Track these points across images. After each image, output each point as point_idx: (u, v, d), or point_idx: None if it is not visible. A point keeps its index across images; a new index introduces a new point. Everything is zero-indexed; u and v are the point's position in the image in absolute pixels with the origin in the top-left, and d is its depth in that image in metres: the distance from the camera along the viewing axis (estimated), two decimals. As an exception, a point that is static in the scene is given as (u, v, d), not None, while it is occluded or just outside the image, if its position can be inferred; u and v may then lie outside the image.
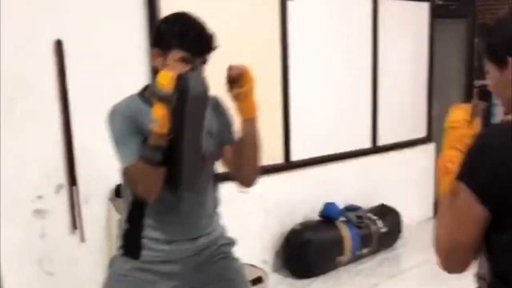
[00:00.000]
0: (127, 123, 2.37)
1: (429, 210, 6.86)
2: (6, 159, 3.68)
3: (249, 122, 2.46)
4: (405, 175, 6.46)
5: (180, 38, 2.31)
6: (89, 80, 3.96)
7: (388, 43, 6.06)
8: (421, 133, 6.74)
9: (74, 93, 3.90)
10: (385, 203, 5.92)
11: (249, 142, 2.49)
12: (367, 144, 6.02)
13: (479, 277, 1.82)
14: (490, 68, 1.82)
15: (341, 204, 5.50)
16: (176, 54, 2.32)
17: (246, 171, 2.57)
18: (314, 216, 5.38)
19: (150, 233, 2.49)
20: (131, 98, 2.46)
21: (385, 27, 6.00)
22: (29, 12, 3.69)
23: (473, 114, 1.91)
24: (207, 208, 2.61)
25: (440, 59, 6.98)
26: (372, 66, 5.95)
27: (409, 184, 6.52)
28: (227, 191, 4.72)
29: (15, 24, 3.62)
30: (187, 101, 2.22)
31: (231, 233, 4.76)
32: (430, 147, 6.81)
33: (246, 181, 2.63)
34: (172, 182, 2.37)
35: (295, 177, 5.30)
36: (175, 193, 2.42)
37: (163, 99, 2.20)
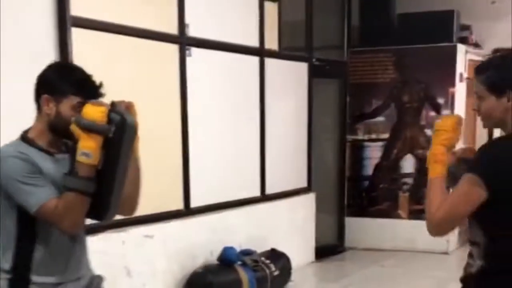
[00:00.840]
0: (26, 165, 2.40)
1: (311, 255, 7.31)
2: None
3: (134, 160, 2.65)
4: (290, 222, 6.89)
5: (78, 85, 2.49)
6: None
7: (273, 98, 6.54)
8: (303, 183, 7.23)
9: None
10: (274, 247, 6.28)
11: (132, 177, 2.64)
12: (257, 192, 6.41)
13: (472, 243, 2.50)
14: (485, 95, 2.46)
15: (237, 249, 5.81)
16: (73, 100, 2.47)
17: (128, 203, 2.69)
18: (213, 259, 5.64)
19: (38, 278, 2.47)
20: (15, 143, 2.51)
21: (270, 83, 6.48)
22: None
23: (458, 123, 2.56)
24: (85, 244, 2.71)
25: (316, 115, 7.54)
26: (260, 120, 6.39)
27: (294, 231, 6.94)
28: (134, 235, 4.98)
29: None
30: (125, 131, 2.44)
31: (138, 275, 4.99)
32: (311, 197, 7.31)
33: (128, 211, 2.77)
34: (101, 210, 2.50)
35: (194, 223, 5.57)
36: (101, 220, 2.59)
37: (99, 131, 2.36)
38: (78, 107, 2.44)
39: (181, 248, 5.43)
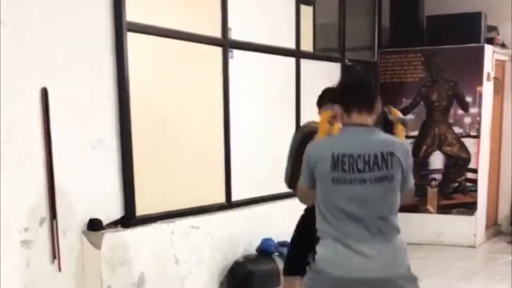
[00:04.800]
0: None
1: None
2: None
3: None
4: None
5: None
6: (70, 124, 4.45)
7: (309, 98, 6.80)
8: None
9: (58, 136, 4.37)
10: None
11: None
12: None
13: None
14: None
15: (274, 240, 6.12)
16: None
17: None
18: (252, 250, 5.97)
19: None
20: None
21: (306, 83, 6.78)
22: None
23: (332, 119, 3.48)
24: None
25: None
26: (295, 119, 6.70)
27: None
28: (181, 226, 5.31)
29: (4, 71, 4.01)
30: None
31: (184, 263, 5.32)
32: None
33: None
34: None
35: (235, 215, 5.90)
36: None
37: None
38: None
39: (223, 239, 5.76)
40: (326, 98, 4.29)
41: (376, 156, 3.15)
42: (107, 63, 4.68)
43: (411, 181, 3.32)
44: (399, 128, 3.55)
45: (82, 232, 4.60)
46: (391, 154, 3.15)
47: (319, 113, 3.98)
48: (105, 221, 4.71)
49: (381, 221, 3.21)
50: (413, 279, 3.34)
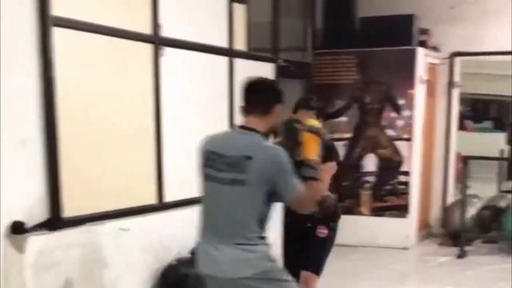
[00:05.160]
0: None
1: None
2: None
3: None
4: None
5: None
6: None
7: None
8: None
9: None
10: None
11: None
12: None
13: None
14: None
15: (208, 242, 5.98)
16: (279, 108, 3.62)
17: None
18: (186, 253, 5.80)
19: None
20: (263, 139, 3.49)
21: (239, 83, 6.64)
22: None
23: None
24: None
25: (282, 115, 7.73)
26: (228, 118, 6.58)
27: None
28: (111, 228, 5.13)
29: None
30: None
31: (114, 268, 5.13)
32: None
33: None
34: None
35: (168, 217, 5.73)
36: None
37: (322, 136, 3.48)
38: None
39: (155, 241, 5.59)
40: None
41: (235, 159, 3.25)
42: (31, 59, 4.46)
43: (295, 188, 3.29)
44: (307, 136, 3.45)
45: (4, 235, 4.36)
46: (248, 158, 3.21)
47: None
48: (29, 224, 4.48)
49: (234, 224, 3.32)
50: (267, 281, 3.39)
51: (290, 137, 3.46)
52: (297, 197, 3.29)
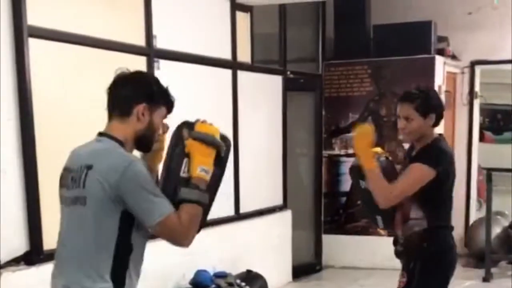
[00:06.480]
0: (148, 173, 2.46)
1: (288, 275, 7.04)
2: None
3: None
4: (266, 241, 6.62)
5: (168, 96, 2.59)
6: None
7: (247, 113, 6.29)
8: (279, 200, 6.97)
9: None
10: (250, 268, 6.01)
11: None
12: (230, 211, 6.14)
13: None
14: (415, 117, 3.62)
15: (210, 271, 5.53)
16: (163, 111, 2.59)
17: None
18: (185, 283, 5.36)
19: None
20: (116, 146, 2.51)
21: (243, 97, 6.23)
22: None
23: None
24: None
25: (291, 129, 7.31)
26: (233, 135, 6.12)
27: (270, 250, 6.68)
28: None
29: None
30: (229, 152, 2.60)
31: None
32: (287, 214, 7.06)
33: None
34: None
35: (164, 244, 5.26)
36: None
37: (218, 146, 2.51)
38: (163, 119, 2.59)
39: (152, 270, 5.12)
40: None
41: (76, 170, 2.49)
42: (6, 79, 4.03)
43: (155, 210, 2.39)
44: (192, 146, 2.50)
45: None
46: (88, 168, 2.44)
47: None
48: (5, 258, 4.04)
49: (71, 257, 2.49)
50: None
51: (176, 148, 2.57)
52: (162, 222, 2.39)
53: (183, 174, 2.49)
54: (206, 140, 2.49)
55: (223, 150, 2.55)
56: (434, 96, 3.82)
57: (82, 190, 2.43)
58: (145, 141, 2.58)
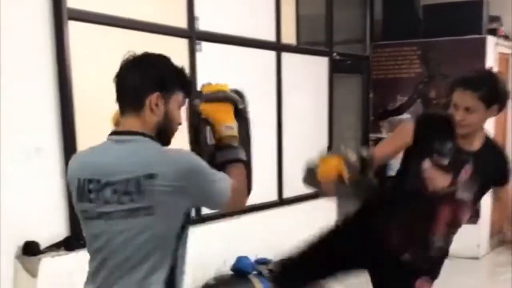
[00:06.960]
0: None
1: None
2: None
3: None
4: (310, 227, 6.47)
5: (183, 77, 2.34)
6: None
7: (291, 95, 6.15)
8: (324, 185, 6.83)
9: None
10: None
11: None
12: (274, 196, 6.04)
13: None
14: (479, 108, 2.98)
15: (252, 257, 5.45)
16: (179, 95, 2.27)
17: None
18: (226, 270, 5.28)
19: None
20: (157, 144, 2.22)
21: (288, 79, 6.09)
22: None
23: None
24: None
25: (337, 112, 7.15)
26: (277, 118, 6.02)
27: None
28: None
29: None
30: (244, 100, 2.49)
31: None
32: (331, 199, 6.91)
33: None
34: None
35: (206, 230, 5.20)
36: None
37: (233, 100, 2.39)
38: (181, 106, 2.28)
39: (192, 257, 5.06)
40: None
41: (125, 182, 2.11)
42: (46, 60, 3.99)
43: (225, 183, 2.21)
44: (209, 109, 2.35)
45: (15, 257, 3.90)
46: (148, 176, 2.08)
47: None
48: (46, 244, 4.01)
49: (119, 275, 2.20)
50: None
51: (195, 121, 2.40)
52: (231, 194, 2.22)
53: (211, 142, 2.35)
54: (219, 97, 2.37)
55: (238, 102, 2.41)
56: (502, 82, 3.09)
57: (143, 200, 2.10)
58: (164, 134, 2.24)
